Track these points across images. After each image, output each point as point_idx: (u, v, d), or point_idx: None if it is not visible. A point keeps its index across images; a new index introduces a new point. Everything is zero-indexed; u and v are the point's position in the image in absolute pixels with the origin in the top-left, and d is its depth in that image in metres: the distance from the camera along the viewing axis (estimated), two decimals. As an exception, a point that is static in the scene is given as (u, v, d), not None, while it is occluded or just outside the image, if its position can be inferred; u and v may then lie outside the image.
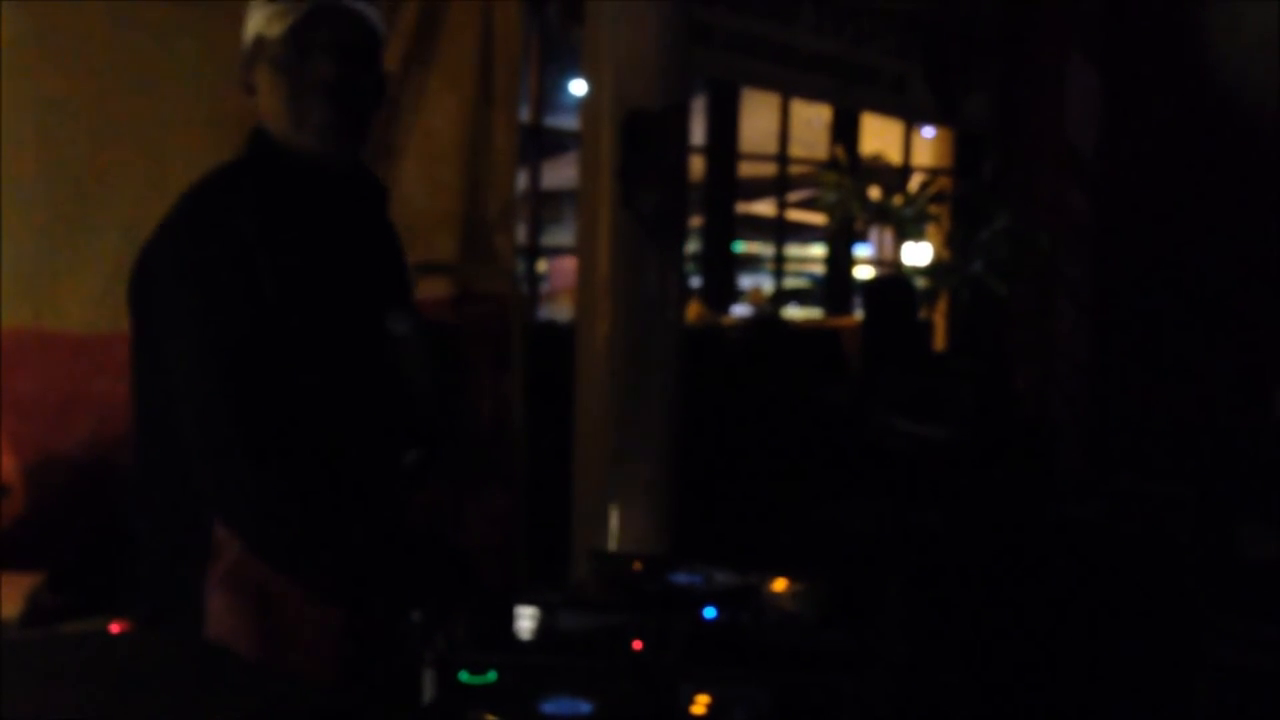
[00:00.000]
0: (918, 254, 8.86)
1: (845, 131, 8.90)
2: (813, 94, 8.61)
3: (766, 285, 9.76)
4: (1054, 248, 8.62)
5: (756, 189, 9.28)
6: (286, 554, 2.09)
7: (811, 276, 11.25)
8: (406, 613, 2.06)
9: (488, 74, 4.94)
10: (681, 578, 2.29)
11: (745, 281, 9.85)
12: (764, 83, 8.24)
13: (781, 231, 9.21)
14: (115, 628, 3.22)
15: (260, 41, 2.21)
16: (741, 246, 10.03)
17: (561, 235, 8.57)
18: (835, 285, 9.33)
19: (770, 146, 8.76)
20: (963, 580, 5.06)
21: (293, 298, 2.11)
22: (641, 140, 4.51)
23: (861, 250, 9.90)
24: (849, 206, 8.29)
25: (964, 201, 8.91)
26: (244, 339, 2.06)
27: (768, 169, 8.92)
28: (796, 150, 8.94)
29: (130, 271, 2.22)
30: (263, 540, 2.09)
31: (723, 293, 8.33)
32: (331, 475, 2.10)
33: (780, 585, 2.24)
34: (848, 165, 8.42)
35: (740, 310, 8.68)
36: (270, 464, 2.04)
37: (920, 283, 8.45)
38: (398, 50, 4.26)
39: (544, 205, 7.44)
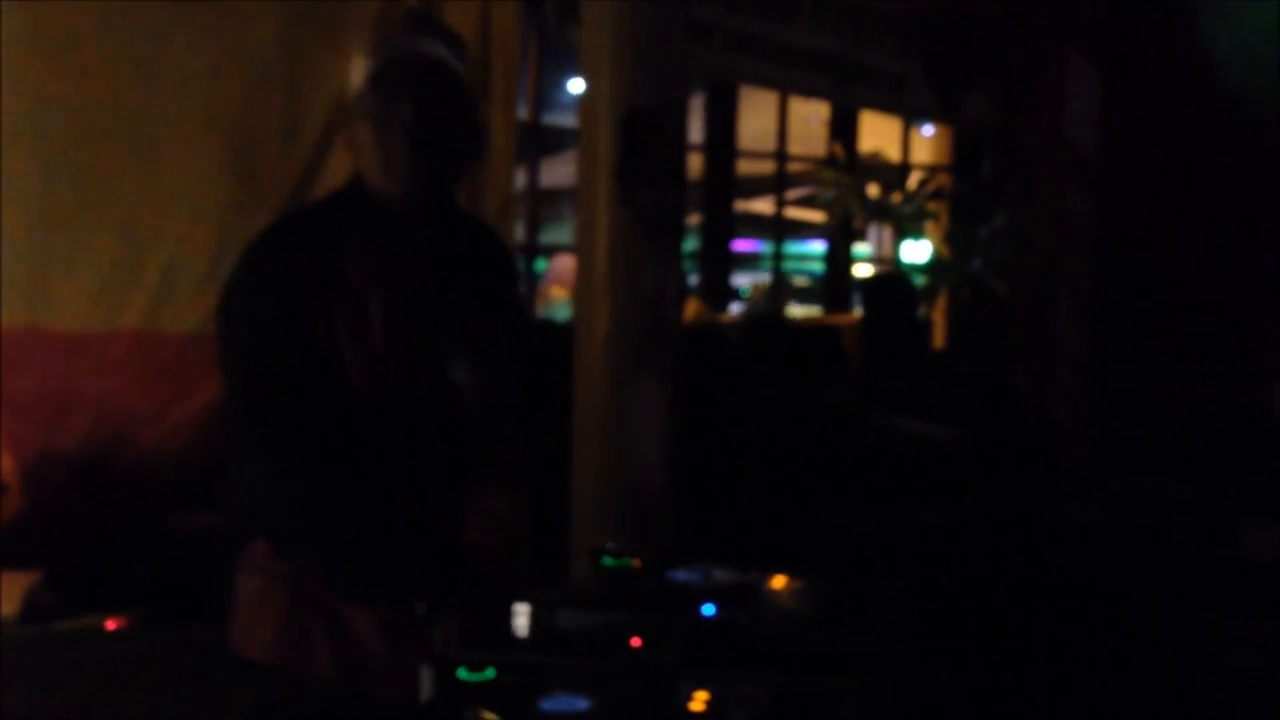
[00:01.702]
0: (916, 252, 8.85)
1: (844, 129, 8.88)
2: (811, 91, 8.59)
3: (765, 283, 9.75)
4: (1054, 246, 8.61)
5: (755, 187, 9.27)
6: (286, 546, 2.24)
7: (810, 273, 11.25)
8: (406, 608, 2.09)
9: (486, 72, 4.94)
10: (680, 576, 2.29)
11: (743, 279, 9.84)
12: (762, 80, 8.22)
13: (780, 229, 9.20)
14: (111, 625, 3.22)
15: (361, 96, 2.27)
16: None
17: (560, 234, 8.56)
18: (834, 283, 9.32)
19: (768, 144, 8.75)
20: (963, 579, 5.05)
21: (345, 339, 2.23)
22: (640, 138, 4.50)
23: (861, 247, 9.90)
24: (848, 204, 8.28)
25: (963, 199, 8.89)
26: (270, 356, 2.21)
27: (766, 167, 8.91)
28: (795, 148, 8.92)
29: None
30: (266, 532, 2.26)
31: (721, 291, 8.32)
32: (365, 483, 2.23)
33: (780, 583, 2.23)
34: (846, 163, 8.41)
35: (738, 308, 8.68)
36: (278, 462, 2.19)
37: (919, 279, 8.44)
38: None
39: (542, 203, 7.42)
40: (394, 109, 2.22)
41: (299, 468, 2.18)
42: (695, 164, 7.70)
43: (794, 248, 10.56)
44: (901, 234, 9.17)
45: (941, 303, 9.03)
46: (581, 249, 4.69)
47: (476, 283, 2.43)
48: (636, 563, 2.38)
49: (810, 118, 9.18)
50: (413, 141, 2.23)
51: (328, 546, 2.18)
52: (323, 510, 2.17)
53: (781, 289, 9.48)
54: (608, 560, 2.36)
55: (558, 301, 7.05)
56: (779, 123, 8.69)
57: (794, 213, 9.70)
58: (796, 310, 9.97)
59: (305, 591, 2.25)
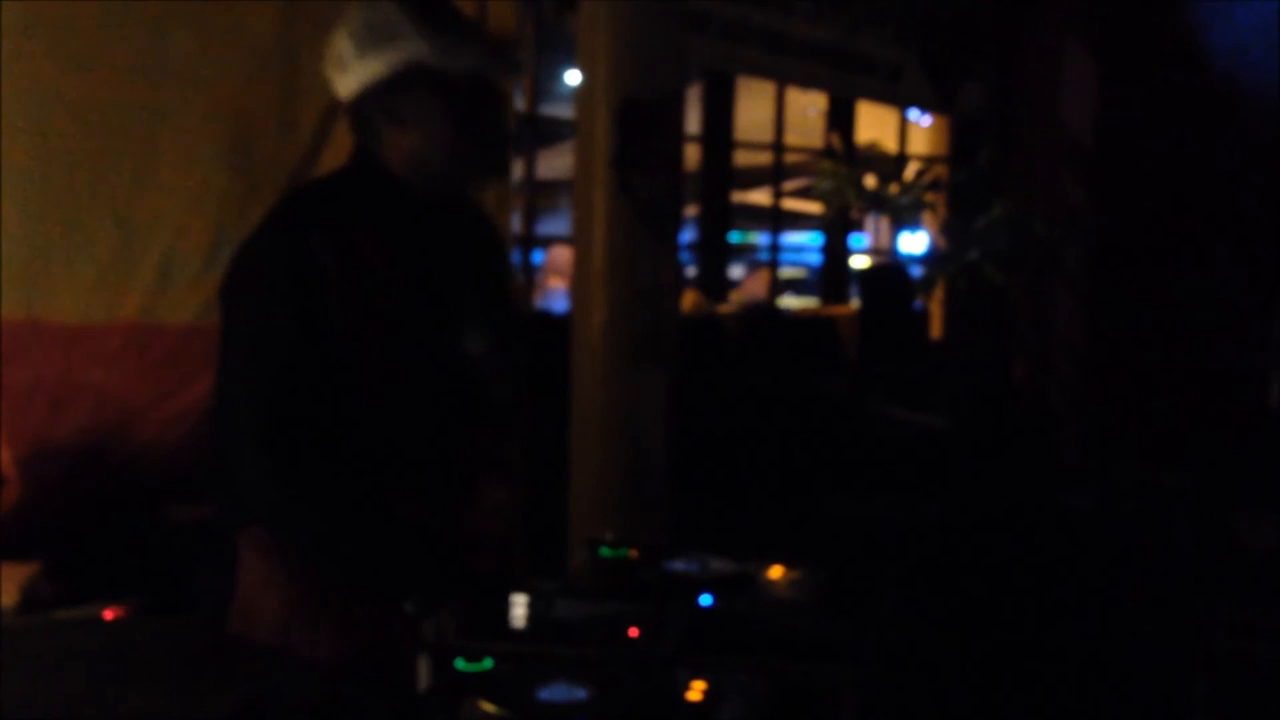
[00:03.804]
0: (913, 243, 8.86)
1: (841, 120, 8.89)
2: (808, 82, 8.60)
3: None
4: (1051, 235, 8.62)
5: (752, 178, 9.28)
6: (284, 531, 2.24)
7: (807, 264, 11.26)
8: (397, 602, 2.09)
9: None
10: (678, 565, 2.29)
11: (738, 272, 9.84)
12: (759, 71, 8.22)
13: (777, 220, 9.20)
14: (109, 614, 3.23)
15: (425, 71, 2.26)
16: (740, 237, 10.04)
17: (557, 225, 8.56)
18: (831, 273, 9.33)
19: (766, 135, 8.75)
20: (960, 568, 5.06)
21: (364, 319, 2.22)
22: (637, 129, 4.50)
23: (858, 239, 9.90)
24: (845, 195, 8.29)
25: (960, 189, 8.90)
26: (274, 355, 2.18)
27: (763, 158, 8.91)
28: (792, 139, 8.93)
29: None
30: (266, 519, 2.25)
31: (719, 281, 8.32)
32: (366, 467, 2.22)
33: (777, 573, 2.23)
34: (843, 153, 8.42)
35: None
36: (282, 449, 2.16)
37: (916, 269, 8.45)
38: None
39: (539, 194, 7.42)
40: (488, 109, 2.29)
41: (304, 455, 2.17)
42: (692, 155, 7.70)
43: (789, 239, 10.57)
44: (899, 225, 9.17)
45: (939, 293, 9.03)
46: (579, 240, 4.69)
47: (478, 263, 2.45)
48: (634, 553, 2.39)
49: (807, 109, 9.19)
50: (496, 142, 2.34)
51: (325, 536, 2.19)
52: (324, 501, 2.17)
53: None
54: (605, 550, 2.36)
55: (556, 292, 7.06)
56: (776, 113, 8.69)
57: (791, 204, 9.71)
58: (793, 301, 9.98)
59: (306, 574, 2.25)
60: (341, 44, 2.29)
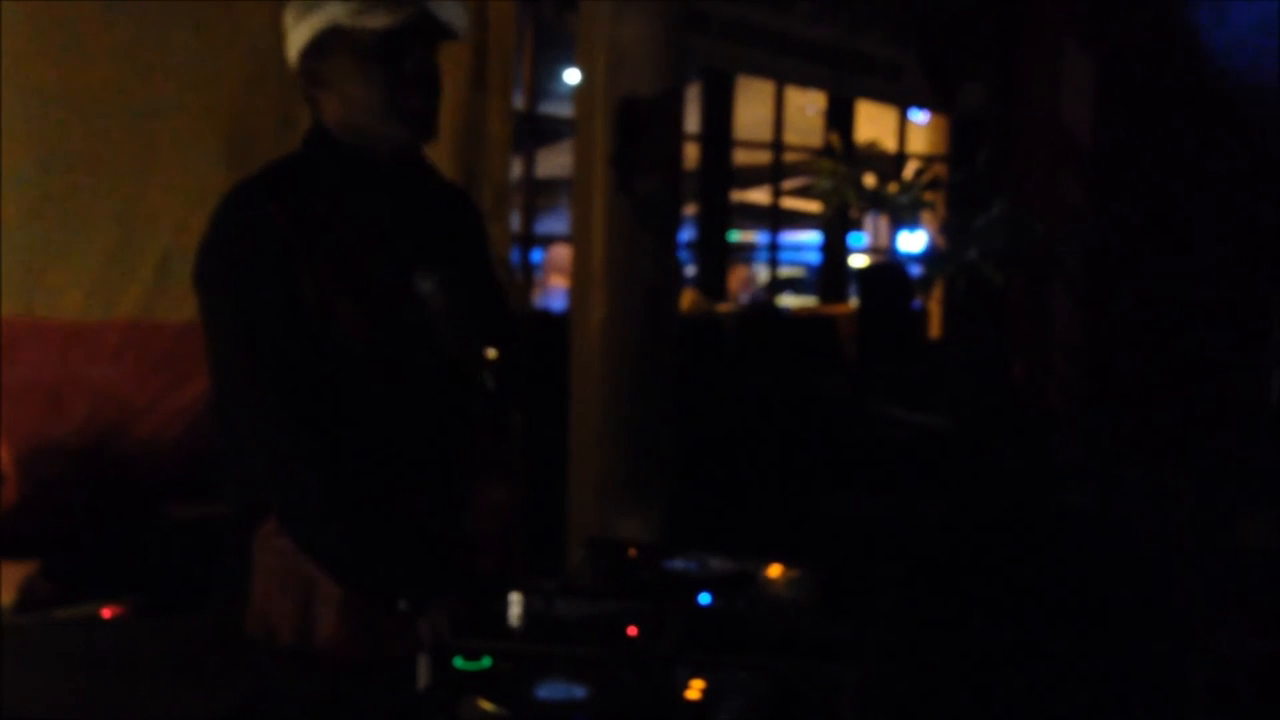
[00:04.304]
0: (911, 242, 8.87)
1: (840, 119, 8.89)
2: (807, 81, 8.60)
3: (762, 273, 9.75)
4: (1049, 235, 8.62)
5: (751, 177, 9.27)
6: (286, 525, 2.21)
7: (806, 263, 11.25)
8: (391, 602, 2.09)
9: (482, 62, 4.93)
10: (677, 564, 2.29)
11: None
12: (758, 70, 8.22)
13: (776, 219, 9.20)
14: (107, 613, 3.22)
15: (341, 32, 2.24)
16: (736, 235, 10.02)
17: (556, 223, 8.56)
18: (830, 273, 9.33)
19: (765, 134, 8.75)
20: (959, 567, 5.06)
21: (336, 288, 2.20)
22: (636, 128, 4.50)
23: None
24: (844, 194, 8.28)
25: (959, 189, 8.90)
26: (264, 331, 2.17)
27: (762, 157, 8.91)
28: (791, 138, 8.93)
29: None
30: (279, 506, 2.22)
31: (718, 281, 8.32)
32: (362, 453, 2.20)
33: (776, 572, 2.23)
34: (843, 152, 8.41)
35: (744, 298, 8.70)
36: (277, 440, 2.16)
37: (915, 268, 8.45)
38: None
39: (538, 193, 7.42)
40: (414, 59, 2.25)
41: (299, 446, 2.16)
42: (691, 154, 7.70)
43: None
44: (898, 224, 9.17)
45: (937, 292, 9.04)
46: (578, 239, 4.69)
47: (435, 208, 2.43)
48: (633, 551, 2.39)
49: (807, 108, 9.19)
50: (428, 90, 2.27)
51: (320, 535, 2.18)
52: (319, 497, 2.16)
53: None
54: (604, 549, 2.36)
55: (557, 291, 7.07)
56: (775, 112, 8.69)
57: (790, 203, 9.71)
58: (792, 300, 9.98)
59: (323, 575, 2.23)
60: (286, 16, 2.31)
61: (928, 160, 9.42)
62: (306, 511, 2.18)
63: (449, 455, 2.35)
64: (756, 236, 11.01)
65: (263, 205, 2.22)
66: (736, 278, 8.88)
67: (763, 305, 8.24)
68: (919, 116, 9.71)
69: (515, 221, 6.50)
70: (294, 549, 2.23)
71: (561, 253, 6.94)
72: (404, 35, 2.24)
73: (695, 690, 1.82)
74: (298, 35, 2.28)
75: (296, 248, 2.19)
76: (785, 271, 10.21)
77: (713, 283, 8.15)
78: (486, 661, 1.86)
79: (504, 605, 1.99)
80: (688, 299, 6.93)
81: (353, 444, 2.21)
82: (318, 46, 2.27)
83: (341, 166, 2.30)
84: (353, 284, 2.23)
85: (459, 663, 1.85)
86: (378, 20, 2.21)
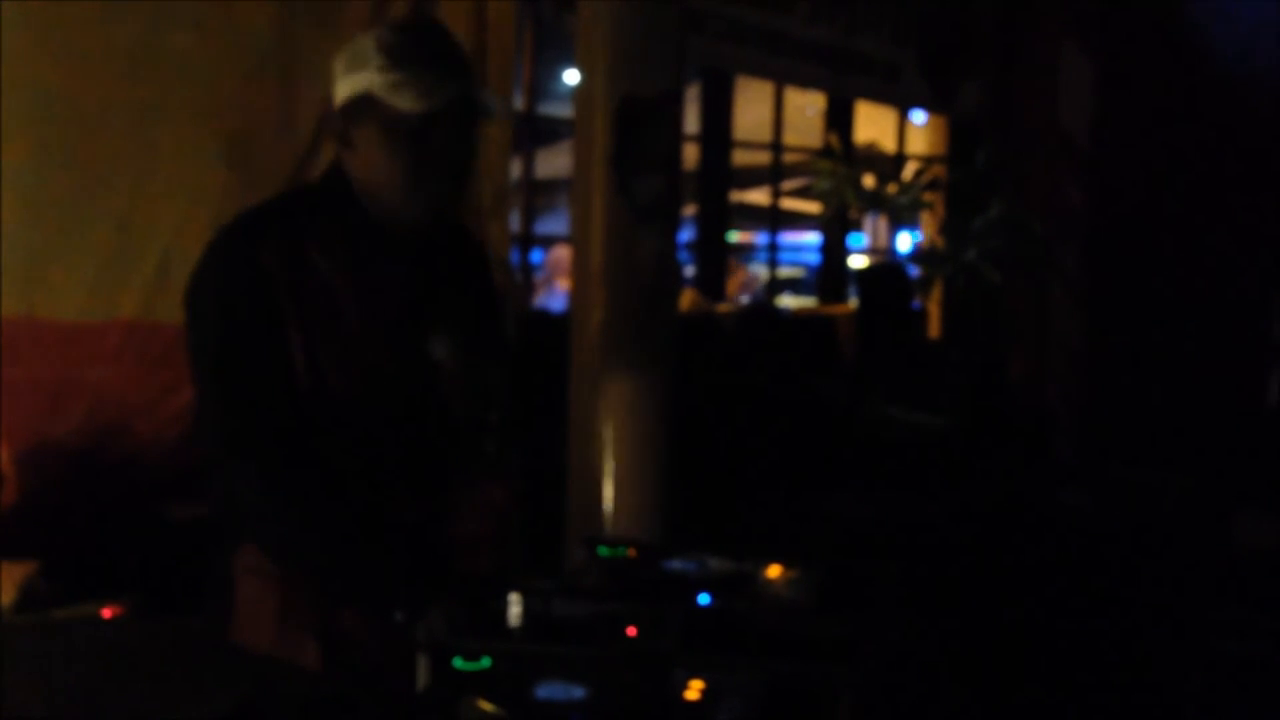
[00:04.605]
0: (907, 241, 8.87)
1: (839, 119, 8.88)
2: (807, 82, 8.59)
3: (762, 274, 9.75)
4: (1048, 235, 8.62)
5: (750, 177, 9.27)
6: (268, 550, 2.23)
7: (805, 264, 11.25)
8: (386, 612, 2.09)
9: (481, 62, 4.94)
10: (676, 565, 2.29)
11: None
12: (758, 71, 8.22)
13: (776, 220, 9.20)
14: (107, 613, 3.22)
15: (373, 102, 2.24)
16: (735, 236, 10.03)
17: (555, 224, 8.56)
18: (830, 273, 9.32)
19: (764, 135, 8.74)
20: (957, 567, 5.06)
21: (315, 322, 2.22)
22: (635, 128, 4.51)
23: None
24: (843, 194, 8.28)
25: (959, 189, 8.89)
26: (242, 350, 2.19)
27: (762, 157, 8.91)
28: (790, 138, 8.92)
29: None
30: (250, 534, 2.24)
31: (717, 281, 8.32)
32: (343, 486, 2.21)
33: (775, 572, 2.24)
34: (842, 153, 8.41)
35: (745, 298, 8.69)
36: (251, 466, 2.17)
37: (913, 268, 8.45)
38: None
39: (538, 194, 7.42)
40: (442, 143, 2.24)
41: (272, 473, 2.16)
42: (690, 154, 7.69)
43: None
44: (897, 224, 9.17)
45: (937, 293, 9.03)
46: (577, 239, 4.70)
47: (451, 271, 2.43)
48: (632, 552, 2.39)
49: (806, 108, 9.18)
50: (453, 175, 2.29)
51: (307, 554, 2.18)
52: (301, 519, 2.16)
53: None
54: (603, 550, 2.37)
55: (559, 293, 7.08)
56: (774, 113, 8.68)
57: (789, 203, 9.70)
58: (791, 300, 9.98)
59: (297, 592, 2.23)
60: (337, 62, 2.29)
61: (927, 161, 9.41)
62: (278, 532, 2.19)
63: (435, 469, 2.36)
64: (756, 237, 11.01)
65: (255, 246, 2.23)
66: (735, 281, 8.86)
67: (762, 306, 8.24)
68: (918, 117, 9.70)
69: (515, 222, 6.51)
70: (270, 572, 2.24)
71: (565, 254, 6.94)
72: (436, 117, 2.23)
73: (694, 690, 1.82)
74: (339, 90, 2.28)
75: (283, 292, 2.20)
76: (784, 272, 10.21)
77: (712, 283, 8.14)
78: (486, 662, 1.86)
79: (503, 606, 2.00)
80: (687, 299, 6.94)
81: (331, 463, 2.22)
82: (350, 109, 2.26)
83: (350, 219, 2.30)
84: (335, 331, 2.24)
85: (458, 663, 1.86)
86: (410, 104, 2.21)
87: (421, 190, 2.26)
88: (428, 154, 2.24)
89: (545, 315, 6.48)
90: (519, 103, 6.45)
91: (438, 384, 2.31)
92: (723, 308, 7.54)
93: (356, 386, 2.24)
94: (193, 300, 2.25)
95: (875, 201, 8.45)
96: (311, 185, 2.39)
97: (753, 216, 10.17)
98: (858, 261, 9.49)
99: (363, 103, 2.24)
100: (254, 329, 2.19)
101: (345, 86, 2.26)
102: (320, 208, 2.32)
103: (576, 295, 4.67)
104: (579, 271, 4.64)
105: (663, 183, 4.58)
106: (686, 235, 8.02)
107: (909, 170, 9.16)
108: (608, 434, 4.53)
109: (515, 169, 6.30)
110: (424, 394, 2.31)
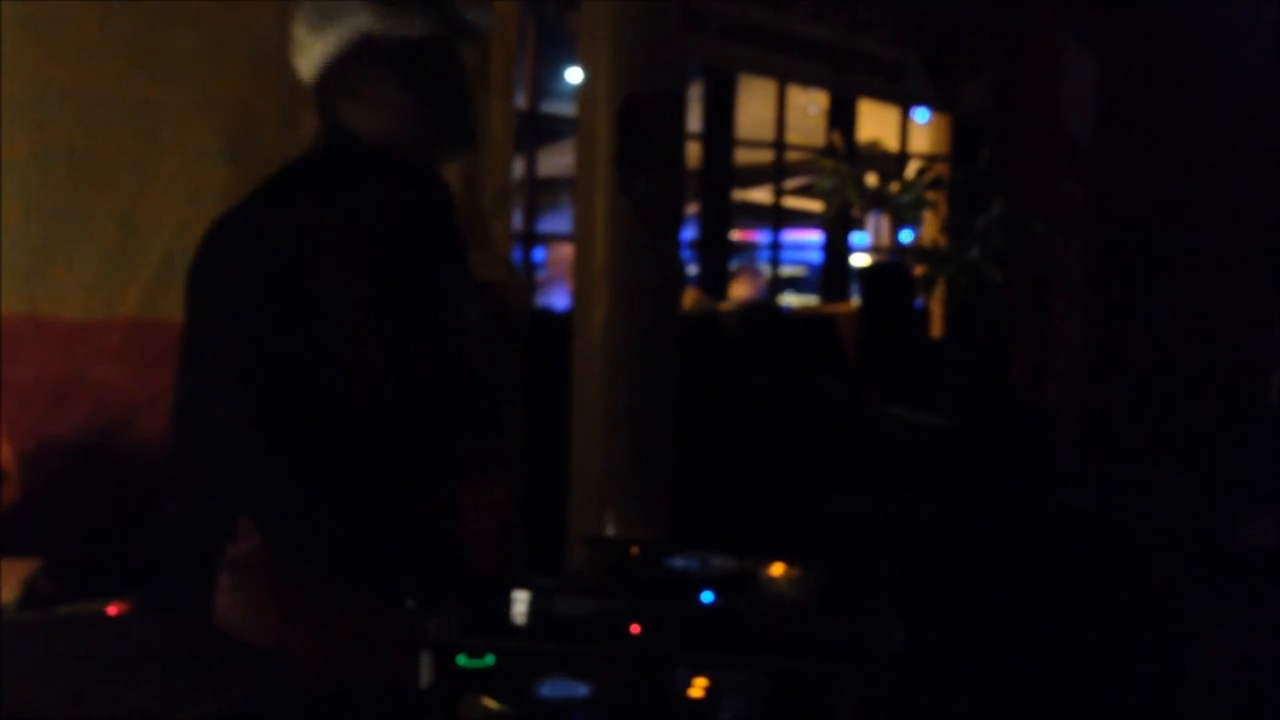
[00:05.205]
0: (907, 239, 8.88)
1: (842, 118, 8.89)
2: (809, 80, 8.60)
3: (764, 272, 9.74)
4: (1050, 234, 8.62)
5: (753, 176, 9.28)
6: (276, 537, 2.18)
7: (808, 262, 11.26)
8: (398, 600, 2.09)
9: (483, 61, 4.94)
10: (678, 563, 2.29)
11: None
12: (760, 69, 8.23)
13: (778, 218, 9.20)
14: (112, 610, 3.23)
15: (373, 42, 2.20)
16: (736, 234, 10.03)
17: (558, 222, 8.56)
18: (832, 272, 9.33)
19: (767, 133, 8.75)
20: (959, 566, 5.07)
21: (343, 298, 2.15)
22: (638, 127, 4.51)
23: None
24: (846, 193, 8.29)
25: (961, 188, 8.90)
26: (258, 339, 2.12)
27: (764, 156, 8.92)
28: (793, 137, 8.93)
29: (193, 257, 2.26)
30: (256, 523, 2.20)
31: (720, 280, 8.32)
32: (352, 466, 2.17)
33: (778, 570, 2.24)
34: (845, 152, 8.42)
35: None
36: (264, 452, 2.11)
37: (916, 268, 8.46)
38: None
39: (540, 192, 7.43)
40: (454, 73, 2.22)
41: (284, 459, 2.12)
42: (693, 153, 7.70)
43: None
44: (900, 223, 9.17)
45: (939, 292, 9.04)
46: (580, 238, 4.70)
47: (451, 225, 2.41)
48: (635, 550, 2.39)
49: (808, 107, 9.19)
50: (469, 104, 2.26)
51: (321, 539, 2.15)
52: (314, 505, 2.13)
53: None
54: (606, 547, 2.37)
55: (562, 291, 7.08)
56: (777, 112, 8.69)
57: (792, 202, 9.71)
58: (794, 299, 9.98)
59: (295, 583, 2.20)
60: (297, 27, 2.25)
61: (929, 160, 9.42)
62: (288, 518, 2.15)
63: (442, 458, 2.33)
64: (758, 236, 11.02)
65: (291, 203, 2.19)
66: (743, 285, 8.78)
67: (764, 304, 8.24)
68: (921, 116, 9.71)
69: (517, 220, 6.51)
70: (261, 566, 2.20)
71: (567, 252, 6.94)
72: (439, 42, 2.20)
73: (697, 688, 1.83)
74: (320, 47, 2.23)
75: (325, 247, 2.15)
76: (787, 271, 10.21)
77: (714, 282, 8.15)
78: (489, 659, 1.86)
79: (507, 603, 2.00)
80: (689, 298, 6.94)
81: (341, 449, 2.17)
82: (349, 58, 2.22)
83: (368, 173, 2.24)
84: (372, 285, 2.18)
85: (462, 660, 1.86)
86: (412, 28, 2.17)
87: (447, 115, 2.23)
88: (443, 76, 2.21)
89: (548, 313, 6.48)
90: (522, 101, 6.46)
91: (457, 352, 2.27)
92: (725, 306, 7.54)
93: (371, 369, 2.19)
94: (210, 262, 2.19)
95: (877, 200, 8.46)
96: (313, 153, 2.30)
97: (755, 215, 10.18)
98: (860, 260, 9.49)
99: (361, 47, 2.20)
100: (278, 293, 2.12)
101: (332, 38, 2.20)
102: (340, 165, 2.26)
103: (579, 294, 4.67)
104: (581, 270, 4.64)
105: (665, 181, 4.58)
106: (689, 234, 8.03)
107: (911, 169, 9.17)
108: (609, 432, 4.54)
109: (518, 167, 6.30)
110: (439, 373, 2.27)
